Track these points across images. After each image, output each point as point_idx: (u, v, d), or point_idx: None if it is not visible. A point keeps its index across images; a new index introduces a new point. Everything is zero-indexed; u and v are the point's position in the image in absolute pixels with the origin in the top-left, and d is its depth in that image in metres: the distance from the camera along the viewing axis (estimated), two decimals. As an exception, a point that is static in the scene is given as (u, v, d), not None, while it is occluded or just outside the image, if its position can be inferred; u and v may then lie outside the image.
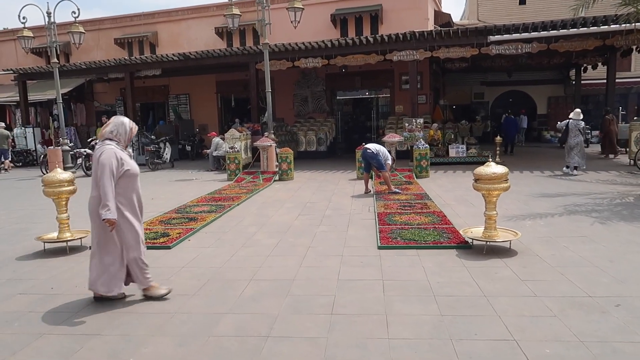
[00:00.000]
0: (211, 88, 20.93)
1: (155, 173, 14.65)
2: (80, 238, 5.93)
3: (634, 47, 14.77)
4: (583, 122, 11.86)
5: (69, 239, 5.80)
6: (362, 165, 9.91)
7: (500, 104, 25.20)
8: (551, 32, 12.85)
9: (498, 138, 14.41)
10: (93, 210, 3.93)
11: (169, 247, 5.77)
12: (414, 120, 14.66)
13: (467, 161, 14.44)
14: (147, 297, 4.10)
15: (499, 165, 5.15)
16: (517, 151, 17.43)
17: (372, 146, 9.19)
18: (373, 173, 9.96)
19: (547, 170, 12.28)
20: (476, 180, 5.20)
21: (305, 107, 20.03)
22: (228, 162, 12.65)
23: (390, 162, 9.31)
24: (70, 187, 5.77)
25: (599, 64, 18.75)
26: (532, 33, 13.04)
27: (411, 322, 3.46)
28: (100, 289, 3.94)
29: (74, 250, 5.79)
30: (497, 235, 5.23)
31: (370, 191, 9.55)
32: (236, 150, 12.77)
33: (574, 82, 22.60)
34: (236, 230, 6.64)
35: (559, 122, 12.05)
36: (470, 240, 5.45)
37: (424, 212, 7.29)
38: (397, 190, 9.23)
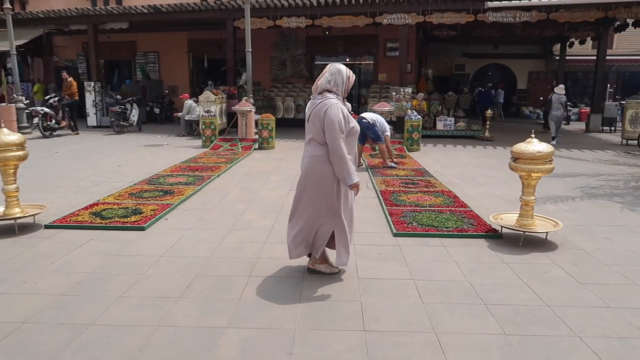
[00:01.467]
0: (182, 47, 19.41)
1: (122, 136, 13.37)
2: (33, 215, 4.88)
3: (630, 23, 14.27)
4: (565, 97, 12.86)
5: (17, 216, 4.74)
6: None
7: (481, 77, 24.64)
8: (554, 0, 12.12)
9: (489, 112, 13.76)
10: (312, 172, 3.44)
11: (142, 228, 4.79)
12: (401, 89, 13.80)
13: (455, 135, 13.79)
14: (312, 272, 3.67)
15: (542, 143, 4.37)
16: (496, 126, 16.69)
17: (369, 115, 8.29)
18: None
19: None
20: (515, 159, 4.40)
21: (283, 71, 18.84)
22: (203, 127, 11.54)
23: (388, 133, 8.45)
24: (20, 152, 4.68)
25: (587, 39, 18.31)
26: (533, 0, 12.26)
27: (472, 345, 2.67)
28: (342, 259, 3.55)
29: (25, 229, 4.74)
30: (534, 224, 4.50)
31: (362, 164, 8.74)
32: (212, 114, 11.65)
33: (557, 57, 22.13)
34: (221, 208, 5.71)
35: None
36: (499, 228, 4.71)
37: (431, 191, 6.52)
38: (393, 164, 8.43)
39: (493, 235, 4.65)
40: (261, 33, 15.47)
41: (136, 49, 19.83)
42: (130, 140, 12.39)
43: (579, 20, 12.77)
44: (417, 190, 6.58)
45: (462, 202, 5.92)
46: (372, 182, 7.18)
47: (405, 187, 6.81)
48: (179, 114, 14.15)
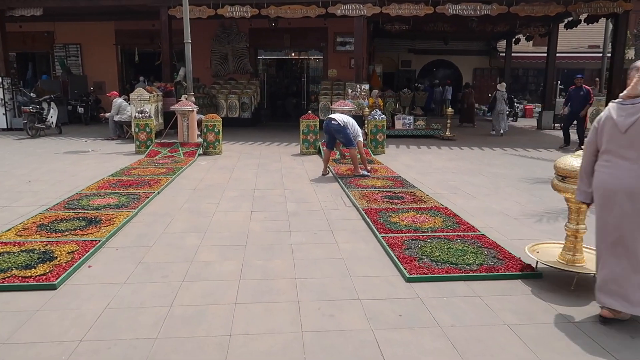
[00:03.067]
0: (109, 38, 17.37)
1: (37, 141, 11.39)
2: None
3: (583, 19, 14.03)
4: (506, 93, 14.40)
5: None
6: (325, 139, 7.80)
7: (427, 73, 24.28)
8: (516, -8, 11.53)
9: (450, 110, 13.05)
10: None
11: (53, 286, 3.33)
12: (358, 86, 12.77)
13: (415, 134, 12.98)
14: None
15: (596, 156, 3.38)
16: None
17: (339, 117, 7.11)
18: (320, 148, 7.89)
19: (508, 147, 11.07)
20: (563, 178, 3.39)
21: (224, 66, 17.31)
22: (136, 130, 9.90)
23: (361, 138, 7.32)
24: None
25: (534, 36, 18.19)
26: (496, -8, 11.62)
27: None
28: None
29: None
30: (584, 260, 3.51)
31: (328, 173, 7.58)
32: (147, 114, 10.03)
33: (502, 54, 22.06)
34: (166, 243, 4.32)
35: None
36: (533, 263, 3.70)
37: (423, 208, 5.44)
38: (366, 172, 7.31)
39: (531, 275, 3.61)
40: (199, 24, 13.87)
41: (54, 40, 17.50)
42: (47, 146, 10.50)
43: (539, 15, 12.29)
44: (406, 207, 5.47)
45: (467, 223, 4.88)
46: (349, 197, 6.02)
47: (390, 202, 5.70)
48: (107, 114, 12.34)
